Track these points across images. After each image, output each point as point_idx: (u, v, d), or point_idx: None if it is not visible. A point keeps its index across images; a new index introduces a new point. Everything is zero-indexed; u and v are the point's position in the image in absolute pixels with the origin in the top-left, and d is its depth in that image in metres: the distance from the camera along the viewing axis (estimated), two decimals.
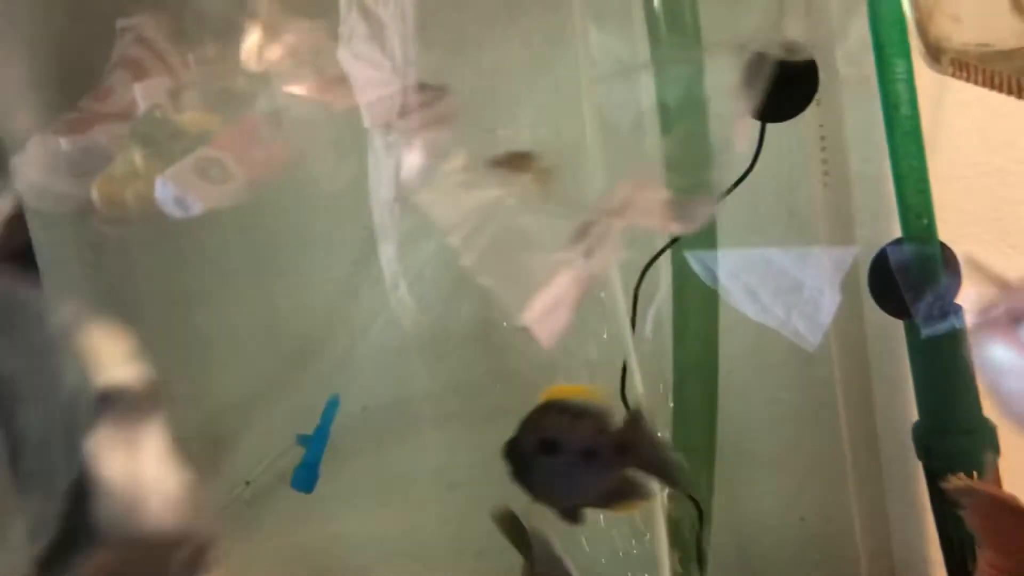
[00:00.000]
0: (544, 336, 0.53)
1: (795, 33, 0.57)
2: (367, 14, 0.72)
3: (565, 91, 0.65)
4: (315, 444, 0.70)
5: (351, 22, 0.72)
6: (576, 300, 0.54)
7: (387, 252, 0.73)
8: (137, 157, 0.77)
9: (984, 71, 0.45)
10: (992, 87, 0.45)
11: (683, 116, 0.58)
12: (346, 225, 0.72)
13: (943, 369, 0.63)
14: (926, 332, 0.62)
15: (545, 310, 0.54)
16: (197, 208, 0.74)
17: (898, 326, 0.65)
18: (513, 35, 0.65)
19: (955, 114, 0.63)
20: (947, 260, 0.62)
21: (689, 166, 0.58)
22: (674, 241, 0.62)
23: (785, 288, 0.55)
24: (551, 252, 0.55)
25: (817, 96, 0.58)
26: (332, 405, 0.71)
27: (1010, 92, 0.43)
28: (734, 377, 0.73)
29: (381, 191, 0.73)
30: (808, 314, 0.54)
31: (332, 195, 0.73)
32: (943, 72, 0.48)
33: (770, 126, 0.57)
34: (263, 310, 0.69)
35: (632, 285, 0.63)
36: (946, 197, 0.61)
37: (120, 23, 0.78)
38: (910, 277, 0.58)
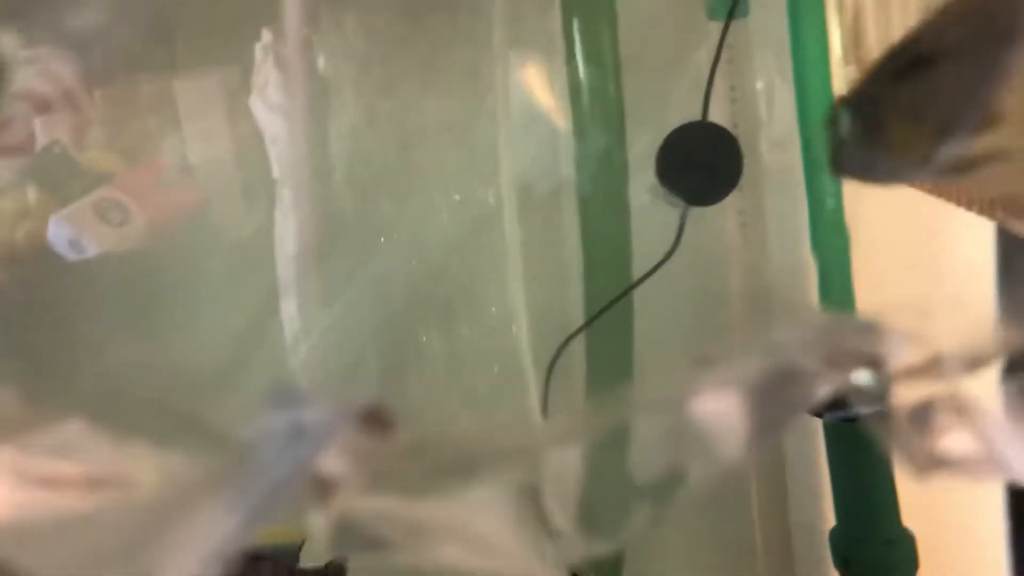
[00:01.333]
0: None
1: (719, 116, 0.56)
2: (283, 64, 0.70)
3: (481, 156, 0.62)
4: None
5: (265, 71, 0.70)
6: None
7: (288, 309, 0.70)
8: (31, 194, 0.73)
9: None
10: (936, 194, 0.43)
11: (602, 189, 0.56)
12: (247, 278, 0.69)
13: (862, 474, 0.61)
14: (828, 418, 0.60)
15: None
16: (92, 251, 0.71)
17: (817, 427, 0.64)
18: (430, 96, 0.63)
19: (879, 206, 0.62)
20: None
21: (607, 240, 0.56)
22: (588, 323, 0.59)
23: None
24: None
25: (740, 182, 0.57)
26: None
27: (954, 200, 0.42)
28: None
29: (287, 244, 0.70)
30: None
31: (235, 246, 0.69)
32: None
33: (691, 210, 0.55)
34: (144, 368, 0.65)
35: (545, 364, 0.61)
36: (867, 288, 0.59)
37: (25, 54, 0.74)
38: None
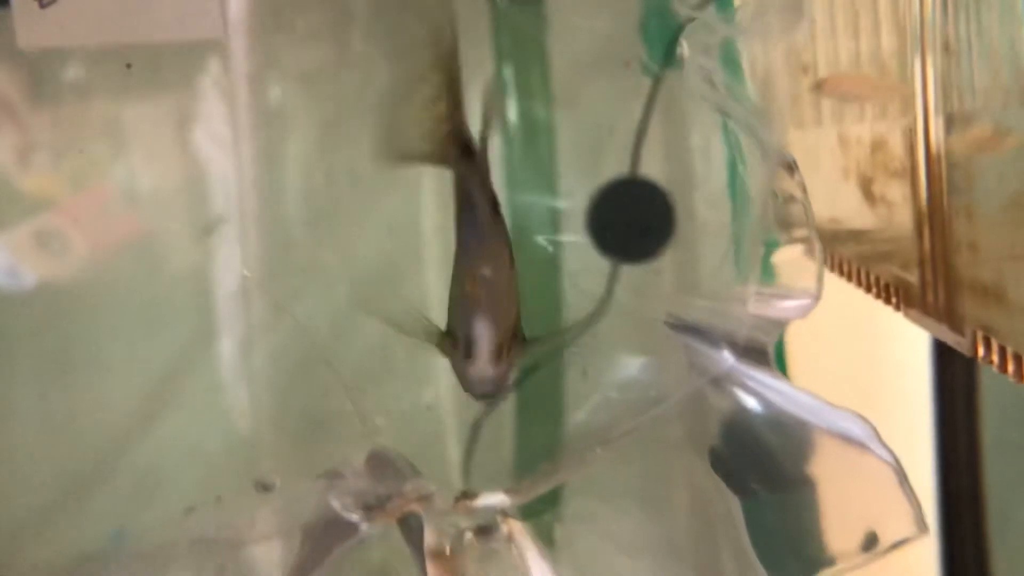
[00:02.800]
0: None
1: (653, 171, 0.55)
2: (229, 97, 0.69)
3: (408, 206, 0.62)
4: None
5: (211, 103, 0.70)
6: None
7: (227, 347, 0.69)
8: None
9: (832, 255, 0.43)
10: (839, 273, 0.43)
11: (532, 242, 0.56)
12: (183, 314, 0.68)
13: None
14: None
15: None
16: (29, 279, 0.70)
17: None
18: (357, 183, 0.63)
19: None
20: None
21: (537, 293, 0.55)
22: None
23: None
24: None
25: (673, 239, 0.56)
26: (113, 539, 0.64)
27: (855, 282, 0.41)
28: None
29: (227, 281, 0.69)
30: None
31: (172, 279, 0.68)
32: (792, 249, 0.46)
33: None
34: (59, 405, 0.64)
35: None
36: (798, 353, 0.59)
37: None
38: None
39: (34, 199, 0.71)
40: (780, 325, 0.35)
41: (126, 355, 0.64)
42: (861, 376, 0.64)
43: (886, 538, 0.32)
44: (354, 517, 0.30)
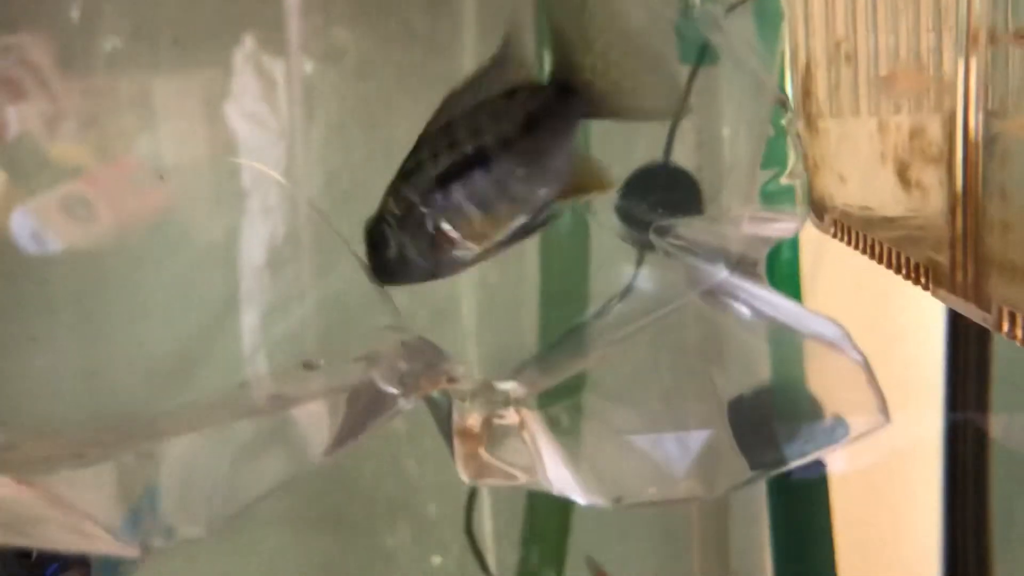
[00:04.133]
0: None
1: (685, 160, 0.56)
2: (262, 73, 0.70)
3: None
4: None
5: (244, 79, 0.70)
6: None
7: (249, 321, 0.69)
8: None
9: (864, 237, 0.44)
10: (869, 255, 0.43)
11: (564, 226, 0.56)
12: (207, 286, 0.68)
13: (801, 531, 0.62)
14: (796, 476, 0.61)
15: None
16: (55, 245, 0.70)
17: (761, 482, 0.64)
18: (403, 122, 0.63)
19: (837, 264, 0.62)
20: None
21: (566, 277, 0.56)
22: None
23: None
24: None
25: None
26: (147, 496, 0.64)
27: (885, 263, 0.42)
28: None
29: (253, 255, 0.70)
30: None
31: (196, 249, 0.69)
32: (825, 231, 0.47)
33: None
34: (89, 366, 0.64)
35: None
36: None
37: (2, 40, 0.74)
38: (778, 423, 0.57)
39: (62, 167, 0.71)
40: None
41: (157, 318, 0.65)
42: (876, 357, 0.65)
43: (856, 426, 0.35)
44: (392, 391, 0.33)
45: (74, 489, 0.30)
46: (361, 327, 0.58)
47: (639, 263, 0.57)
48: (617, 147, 0.58)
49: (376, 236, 0.36)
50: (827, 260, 0.59)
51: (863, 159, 0.42)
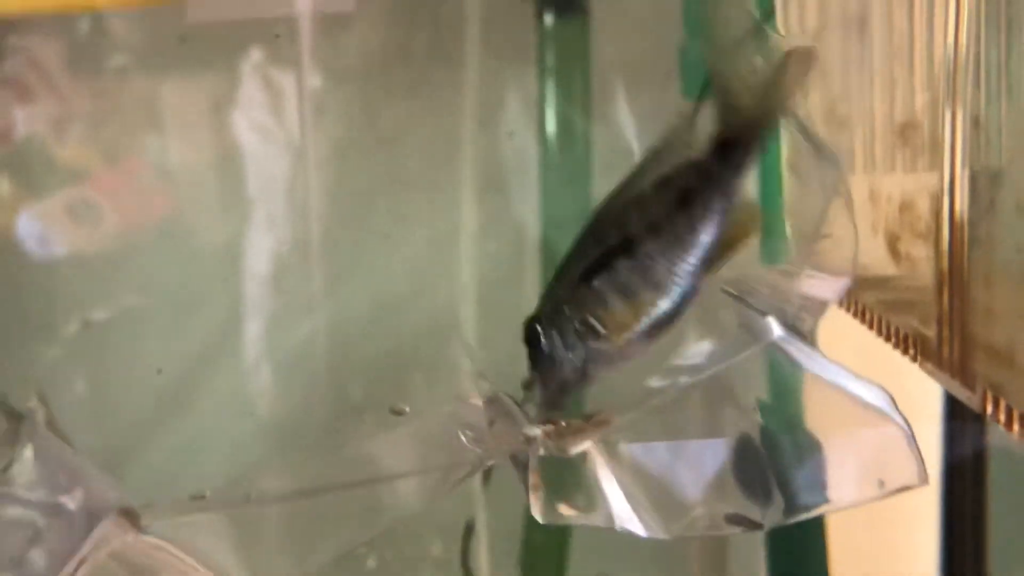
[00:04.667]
0: None
1: None
2: (269, 85, 0.70)
3: (445, 205, 0.63)
4: None
5: (252, 90, 0.71)
6: None
7: (253, 329, 0.70)
8: (4, 185, 0.73)
9: (855, 301, 0.45)
10: (860, 319, 0.45)
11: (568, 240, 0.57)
12: (209, 292, 0.69)
13: (796, 540, 0.63)
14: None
15: None
16: (60, 249, 0.71)
17: None
18: (407, 141, 0.64)
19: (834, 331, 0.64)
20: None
21: None
22: None
23: None
24: None
25: None
26: None
27: (876, 331, 0.44)
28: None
29: (257, 264, 0.71)
30: None
31: (202, 257, 0.70)
32: None
33: None
34: (96, 375, 0.65)
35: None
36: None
37: (12, 41, 0.74)
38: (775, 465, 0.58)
39: (68, 170, 0.72)
40: (824, 306, 0.38)
41: (161, 324, 0.66)
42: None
43: (891, 484, 0.37)
44: (478, 450, 0.34)
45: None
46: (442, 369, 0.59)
47: None
48: (618, 172, 0.59)
49: (529, 334, 0.36)
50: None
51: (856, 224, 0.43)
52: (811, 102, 0.47)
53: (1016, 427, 0.36)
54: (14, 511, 0.31)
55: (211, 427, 0.66)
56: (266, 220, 0.70)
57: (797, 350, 0.38)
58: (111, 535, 0.30)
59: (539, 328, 0.36)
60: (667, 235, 0.35)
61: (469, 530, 0.61)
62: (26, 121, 0.72)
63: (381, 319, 0.66)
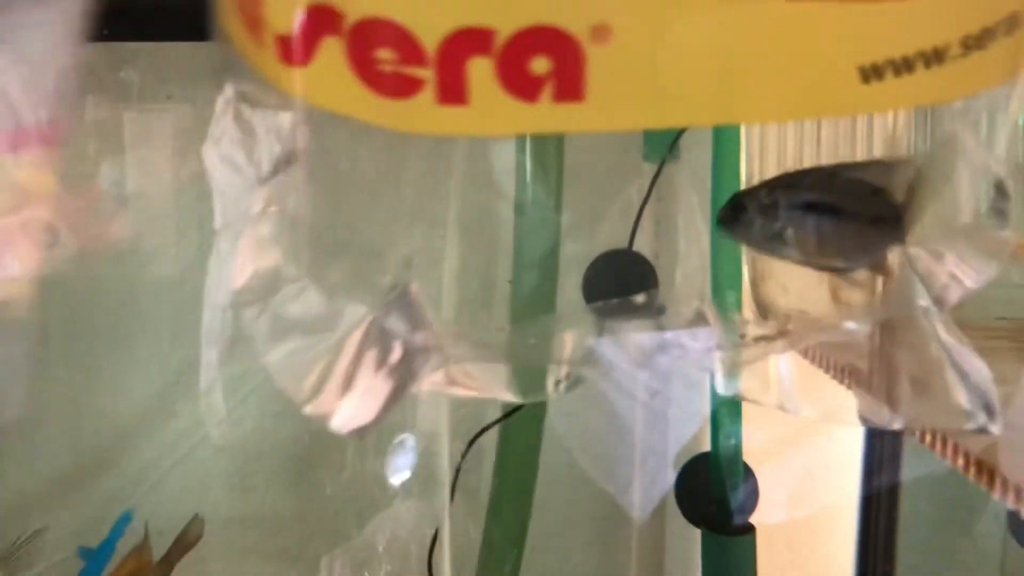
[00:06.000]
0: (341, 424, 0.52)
1: (644, 247, 0.62)
2: (241, 121, 0.72)
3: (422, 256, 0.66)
4: (94, 561, 0.65)
5: (224, 124, 0.72)
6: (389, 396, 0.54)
7: (209, 356, 0.71)
8: None
9: (800, 340, 0.51)
10: (803, 355, 0.50)
11: (535, 293, 0.61)
12: (180, 326, 0.70)
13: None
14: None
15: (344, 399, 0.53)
16: (15, 270, 0.71)
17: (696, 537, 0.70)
18: (387, 190, 0.67)
19: None
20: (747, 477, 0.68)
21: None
22: (504, 417, 0.64)
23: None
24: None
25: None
26: (123, 520, 0.67)
27: (816, 363, 0.49)
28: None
29: (217, 295, 0.72)
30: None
31: (167, 289, 0.71)
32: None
33: None
34: (65, 405, 0.65)
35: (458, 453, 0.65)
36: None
37: None
38: (715, 488, 0.63)
39: (27, 191, 0.71)
40: (965, 291, 0.44)
41: (146, 350, 0.66)
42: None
43: None
44: None
45: None
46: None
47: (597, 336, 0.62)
48: (583, 230, 0.64)
49: (736, 201, 0.42)
50: None
51: (803, 275, 0.49)
52: (768, 170, 0.53)
53: (927, 438, 0.42)
54: None
55: (187, 444, 0.67)
56: (228, 249, 0.71)
57: (937, 322, 0.43)
58: None
59: (747, 203, 0.41)
60: (853, 238, 0.41)
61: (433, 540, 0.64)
62: None
63: None
